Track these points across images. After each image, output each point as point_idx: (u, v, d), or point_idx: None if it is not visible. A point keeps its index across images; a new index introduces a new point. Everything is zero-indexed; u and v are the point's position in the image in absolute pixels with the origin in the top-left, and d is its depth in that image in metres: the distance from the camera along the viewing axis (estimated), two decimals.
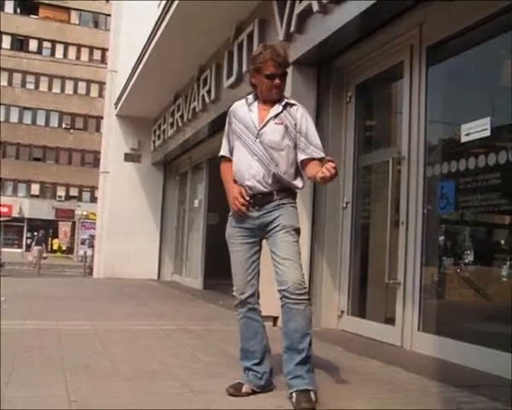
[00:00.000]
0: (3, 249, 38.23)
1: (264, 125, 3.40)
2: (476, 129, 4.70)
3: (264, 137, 3.38)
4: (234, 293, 3.46)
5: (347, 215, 6.52)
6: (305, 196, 6.55)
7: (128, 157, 14.68)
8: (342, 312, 6.45)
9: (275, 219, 3.34)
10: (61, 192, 48.60)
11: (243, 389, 3.33)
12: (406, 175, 5.50)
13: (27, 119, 48.08)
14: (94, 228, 22.92)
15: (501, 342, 4.19)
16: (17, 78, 47.84)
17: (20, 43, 48.08)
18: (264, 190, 3.35)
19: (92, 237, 28.24)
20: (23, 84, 48.12)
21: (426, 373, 4.16)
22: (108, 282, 12.89)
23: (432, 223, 5.39)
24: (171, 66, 10.43)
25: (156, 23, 9.64)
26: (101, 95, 43.64)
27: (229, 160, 3.56)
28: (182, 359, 4.27)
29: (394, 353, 5.13)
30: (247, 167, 3.37)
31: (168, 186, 14.88)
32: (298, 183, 3.49)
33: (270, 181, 3.35)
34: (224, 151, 3.61)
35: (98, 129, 42.74)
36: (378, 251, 6.15)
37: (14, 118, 47.72)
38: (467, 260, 5.43)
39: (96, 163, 37.29)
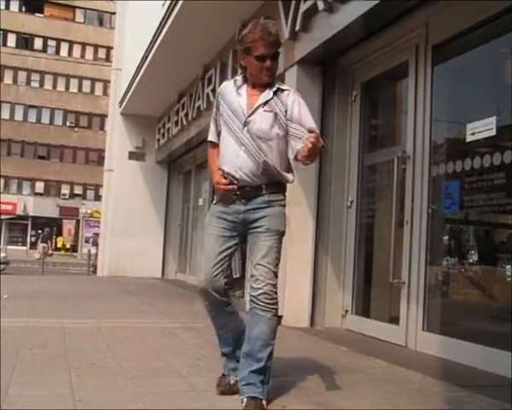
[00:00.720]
0: (8, 247, 38.37)
1: (252, 113, 3.16)
2: (482, 128, 4.68)
3: (251, 125, 3.15)
4: (201, 281, 3.31)
5: (352, 214, 6.51)
6: (310, 195, 6.55)
7: (132, 155, 14.69)
8: (346, 311, 6.44)
9: (261, 218, 3.16)
10: (65, 190, 48.66)
11: (232, 381, 3.24)
12: (411, 174, 5.48)
13: (32, 117, 48.15)
14: (98, 226, 22.98)
15: (505, 342, 4.17)
16: (22, 76, 47.91)
17: (25, 41, 48.15)
18: (252, 183, 3.15)
19: (96, 235, 28.33)
20: (28, 83, 48.20)
21: (430, 373, 4.15)
22: (112, 280, 12.91)
23: (436, 222, 5.37)
24: (176, 64, 10.43)
25: (161, 22, 9.64)
26: (105, 93, 43.66)
27: (216, 145, 3.36)
28: (185, 357, 4.27)
29: (398, 352, 5.12)
30: (233, 157, 3.16)
31: (172, 185, 14.88)
32: (289, 176, 3.28)
33: (258, 174, 3.15)
34: (211, 136, 3.40)
35: (102, 127, 42.79)
36: (382, 250, 6.14)
37: (18, 116, 47.80)
38: (471, 260, 5.42)
39: (100, 161, 37.39)
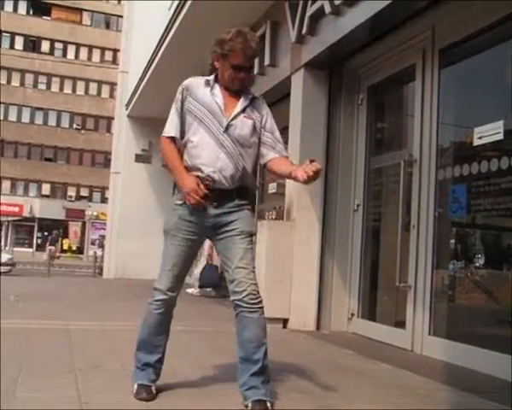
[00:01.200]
0: (14, 249, 38.49)
1: (233, 118, 3.17)
2: (489, 132, 4.67)
3: (233, 130, 3.15)
4: (158, 286, 3.22)
5: (358, 218, 6.50)
6: (316, 199, 6.54)
7: (138, 158, 14.70)
8: (352, 314, 6.43)
9: (232, 221, 3.15)
10: (71, 192, 48.76)
11: (153, 391, 3.17)
12: (418, 178, 5.47)
13: (39, 119, 48.30)
14: (104, 228, 23.02)
15: None
16: (29, 78, 48.07)
17: (32, 44, 48.33)
18: (228, 186, 3.15)
19: (102, 237, 28.39)
20: (35, 85, 48.36)
21: (436, 377, 4.14)
22: (118, 282, 12.93)
23: (443, 226, 5.36)
24: (182, 67, 10.43)
25: (167, 25, 9.66)
26: (112, 95, 43.76)
27: (174, 140, 3.25)
28: (191, 360, 4.27)
29: (404, 356, 5.11)
30: (213, 159, 3.12)
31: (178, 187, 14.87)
32: (256, 184, 3.34)
33: (235, 178, 3.16)
34: (172, 131, 3.24)
35: (109, 130, 42.87)
36: (389, 254, 6.12)
37: (25, 118, 47.96)
38: (478, 264, 5.39)
39: (106, 164, 37.45)
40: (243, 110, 3.21)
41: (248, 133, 3.20)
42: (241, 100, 3.23)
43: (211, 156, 3.13)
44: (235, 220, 3.17)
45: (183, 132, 3.24)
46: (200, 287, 10.49)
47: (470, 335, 4.96)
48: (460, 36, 5.11)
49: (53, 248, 32.87)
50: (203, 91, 3.22)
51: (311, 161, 2.99)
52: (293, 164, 3.29)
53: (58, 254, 35.22)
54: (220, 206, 3.17)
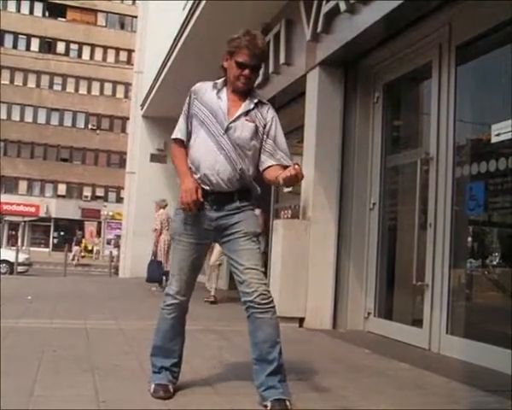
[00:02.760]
0: (31, 249, 38.80)
1: (234, 120, 3.17)
2: (507, 129, 4.62)
3: (232, 132, 3.15)
4: (168, 291, 3.26)
5: (374, 216, 6.48)
6: (332, 198, 6.53)
7: (154, 158, 14.74)
8: (369, 313, 6.40)
9: (235, 223, 3.15)
10: (87, 192, 49.03)
11: (171, 390, 3.19)
12: (434, 176, 5.43)
13: (55, 120, 48.60)
14: (119, 228, 23.11)
15: None
16: (45, 79, 48.39)
17: (47, 45, 48.65)
18: (226, 189, 3.15)
19: (118, 236, 28.53)
20: (50, 86, 48.67)
21: (455, 377, 4.11)
22: (134, 281, 12.97)
23: (460, 224, 5.32)
24: (197, 67, 10.45)
25: (182, 25, 9.69)
26: (127, 96, 43.97)
27: (182, 143, 3.29)
28: (207, 359, 4.27)
29: (422, 355, 5.08)
30: (212, 162, 3.13)
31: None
32: (258, 187, 3.31)
33: (234, 180, 3.15)
34: (179, 134, 3.29)
35: (124, 130, 43.03)
36: (405, 253, 6.09)
37: (41, 119, 48.29)
38: (495, 262, 5.35)
39: (121, 164, 37.65)
40: (246, 113, 3.21)
41: (248, 136, 3.18)
42: (246, 103, 3.23)
43: (209, 158, 3.14)
44: (239, 222, 3.17)
45: (189, 135, 3.26)
46: (146, 281, 10.82)
47: (488, 333, 4.92)
48: (477, 32, 5.07)
49: (78, 248, 33.54)
50: (209, 95, 3.24)
51: (295, 164, 2.99)
52: (283, 169, 3.17)
53: (83, 254, 35.94)
54: (220, 209, 3.17)
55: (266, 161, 3.24)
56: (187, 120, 3.27)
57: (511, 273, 5.11)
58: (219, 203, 3.17)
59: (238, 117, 3.19)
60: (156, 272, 10.56)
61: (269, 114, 3.28)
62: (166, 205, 11.16)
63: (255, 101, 3.25)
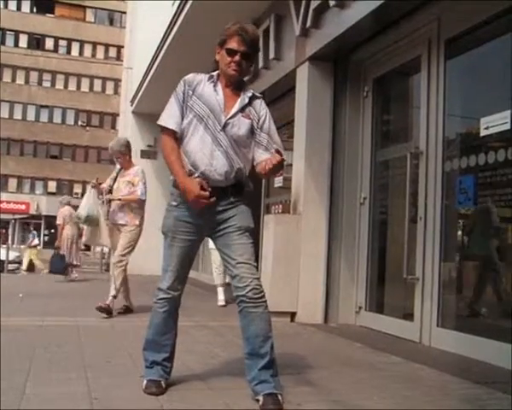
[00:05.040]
0: (21, 246, 38.59)
1: (232, 116, 3.16)
2: (496, 122, 4.65)
3: (230, 128, 3.14)
4: (160, 286, 3.26)
5: (365, 211, 6.49)
6: (322, 192, 6.54)
7: (144, 154, 14.70)
8: (360, 307, 6.43)
9: (229, 218, 3.16)
10: (77, 189, 48.83)
11: (163, 385, 3.20)
12: (424, 170, 5.46)
13: (44, 117, 48.41)
14: None
15: None
16: (34, 76, 48.17)
17: (36, 41, 48.40)
18: (221, 184, 3.14)
19: None
20: (40, 83, 48.44)
21: (446, 369, 4.13)
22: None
23: (450, 218, 5.34)
24: (187, 62, 10.40)
25: (171, 20, 9.65)
26: (116, 92, 43.84)
27: (173, 135, 3.20)
28: (200, 356, 4.27)
29: (413, 349, 5.10)
30: (209, 157, 3.11)
31: (173, 183, 14.87)
32: (251, 183, 3.32)
33: (230, 176, 3.14)
34: (173, 124, 3.19)
35: (114, 126, 42.96)
36: (396, 247, 6.12)
37: (31, 116, 48.10)
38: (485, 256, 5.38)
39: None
40: (242, 109, 3.20)
41: (245, 133, 3.19)
42: (241, 98, 3.22)
43: (207, 154, 3.12)
44: (233, 217, 3.17)
45: (184, 128, 3.20)
46: (49, 273, 12.02)
47: (478, 326, 4.95)
48: (466, 26, 5.09)
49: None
50: (206, 88, 3.21)
51: (277, 152, 3.02)
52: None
53: (82, 247, 35.91)
54: (216, 204, 3.15)
55: (262, 154, 3.22)
56: (182, 110, 3.20)
57: (501, 266, 5.15)
58: (215, 197, 3.14)
59: (235, 113, 3.18)
60: (59, 265, 11.61)
61: (262, 107, 3.28)
62: (69, 202, 12.49)
63: (249, 95, 3.25)
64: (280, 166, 3.04)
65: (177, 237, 3.22)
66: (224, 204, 3.17)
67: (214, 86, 3.21)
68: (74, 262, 12.24)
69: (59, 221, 12.05)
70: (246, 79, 3.50)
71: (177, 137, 3.23)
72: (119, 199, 6.47)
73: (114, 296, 6.33)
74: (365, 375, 3.95)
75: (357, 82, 6.68)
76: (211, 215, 3.17)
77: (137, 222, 6.63)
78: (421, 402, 3.32)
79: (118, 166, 6.97)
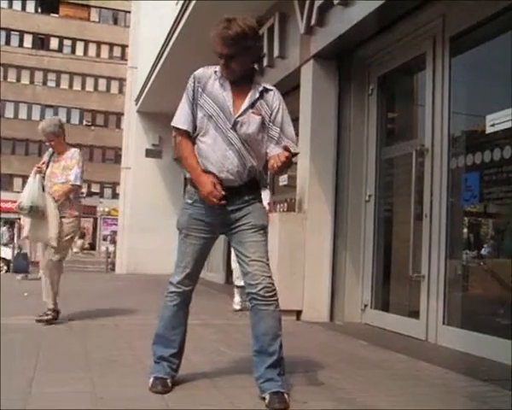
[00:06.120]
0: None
1: (241, 114, 3.10)
2: (501, 119, 4.63)
3: (239, 127, 3.09)
4: (172, 280, 3.27)
5: (370, 208, 6.48)
6: (328, 190, 6.53)
7: (149, 153, 14.71)
8: (365, 305, 6.42)
9: (243, 216, 3.15)
10: (82, 189, 48.91)
11: (169, 384, 3.19)
12: (430, 167, 5.44)
13: (49, 116, 47.70)
14: (116, 224, 23.06)
15: None
16: (38, 76, 48.26)
17: (41, 41, 48.49)
18: (235, 183, 3.12)
19: (114, 233, 28.49)
20: (44, 82, 48.52)
21: (452, 367, 4.12)
22: (131, 277, 12.96)
23: (456, 215, 5.33)
24: (191, 61, 10.37)
25: (175, 19, 9.64)
26: (121, 91, 43.86)
27: (188, 135, 3.19)
28: (205, 354, 4.27)
29: (419, 346, 5.09)
30: (221, 157, 3.09)
31: (189, 181, 14.88)
32: (265, 176, 3.32)
33: (243, 175, 3.12)
34: (186, 124, 3.18)
35: (119, 125, 43.01)
36: (401, 244, 6.10)
37: (35, 115, 48.12)
38: (491, 253, 5.36)
39: (117, 159, 37.50)
40: (252, 105, 3.14)
41: (256, 130, 3.12)
42: (250, 94, 3.15)
43: (218, 154, 3.10)
44: (247, 215, 3.16)
45: (195, 127, 3.18)
46: (14, 272, 12.18)
47: (484, 324, 4.93)
48: (470, 23, 5.07)
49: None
50: (214, 85, 3.15)
51: (285, 149, 2.97)
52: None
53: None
54: (230, 203, 3.13)
55: (273, 149, 3.15)
56: (192, 109, 3.17)
57: (506, 264, 5.13)
58: (229, 198, 3.13)
59: (245, 111, 3.12)
60: (22, 264, 11.98)
61: (275, 100, 3.19)
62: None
63: (260, 89, 3.17)
64: (289, 163, 3.01)
65: (191, 234, 3.22)
66: (239, 203, 3.16)
67: (222, 83, 3.15)
68: (34, 260, 12.00)
69: (23, 222, 11.68)
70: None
71: (191, 136, 3.20)
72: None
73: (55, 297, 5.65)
74: (371, 373, 3.94)
75: (362, 80, 6.66)
76: (225, 214, 3.16)
77: (76, 213, 5.83)
78: (427, 400, 3.31)
79: (50, 150, 6.10)
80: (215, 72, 3.19)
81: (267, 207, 7.56)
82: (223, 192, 3.08)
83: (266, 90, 3.20)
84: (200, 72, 3.22)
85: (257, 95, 3.16)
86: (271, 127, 3.18)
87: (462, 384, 3.70)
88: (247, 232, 3.15)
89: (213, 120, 3.11)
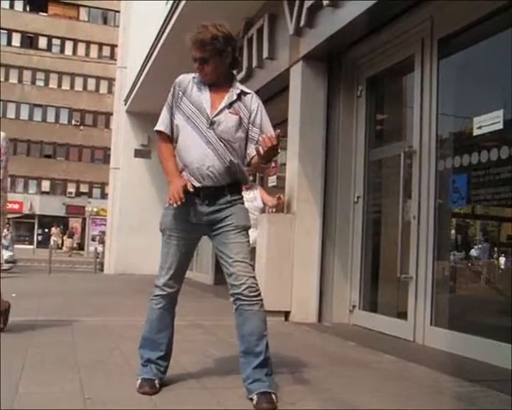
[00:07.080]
0: (15, 246, 38.42)
1: (217, 113, 3.17)
2: (488, 122, 4.66)
3: (217, 126, 3.15)
4: (157, 283, 3.27)
5: (358, 210, 6.50)
6: (316, 191, 6.55)
7: (138, 153, 14.70)
8: (354, 306, 6.44)
9: (226, 217, 3.17)
10: (71, 189, 48.74)
11: (157, 385, 3.19)
12: (418, 169, 5.47)
13: (37, 116, 48.24)
14: (104, 224, 23.00)
15: None
16: (27, 75, 47.98)
17: (29, 40, 48.22)
18: (217, 183, 3.16)
19: (103, 233, 28.41)
20: (33, 82, 48.27)
21: (439, 368, 4.14)
22: (119, 278, 12.94)
23: (444, 217, 5.36)
24: (181, 61, 10.37)
25: (165, 19, 9.64)
26: (110, 91, 43.71)
27: (167, 137, 3.27)
28: (193, 354, 4.27)
29: (407, 347, 5.12)
30: (200, 157, 3.14)
31: None
32: (248, 177, 3.39)
33: (224, 174, 3.16)
34: (163, 126, 3.28)
35: (108, 125, 42.83)
36: (389, 245, 6.13)
37: (24, 115, 47.92)
38: (478, 255, 5.40)
39: (106, 159, 37.45)
40: (229, 106, 3.20)
41: (233, 129, 3.18)
42: (227, 96, 3.22)
43: (198, 154, 3.15)
44: (230, 215, 3.18)
45: (176, 129, 3.25)
46: None
47: (471, 325, 4.97)
48: (458, 26, 5.10)
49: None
50: (193, 88, 3.24)
51: (277, 136, 3.02)
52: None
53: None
54: (212, 204, 3.17)
55: (253, 150, 3.21)
56: (171, 113, 3.27)
57: (494, 265, 5.17)
58: (211, 198, 3.17)
59: (221, 110, 3.19)
60: None
61: (253, 102, 3.28)
62: None
63: (237, 91, 3.25)
64: (275, 151, 3.04)
65: (174, 235, 3.23)
66: (221, 203, 3.18)
67: (201, 86, 3.24)
68: None
69: None
70: (239, 76, 3.47)
71: (171, 139, 3.28)
72: None
73: None
74: (359, 374, 3.96)
75: (351, 81, 6.68)
76: (208, 215, 3.18)
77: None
78: (415, 400, 3.32)
79: None
80: (193, 77, 3.29)
81: (261, 205, 7.59)
82: (182, 197, 3.07)
83: (244, 93, 3.28)
84: (180, 77, 3.33)
85: (234, 96, 3.24)
86: (251, 128, 3.25)
87: (449, 385, 3.72)
88: (230, 233, 3.16)
89: (191, 121, 3.18)
